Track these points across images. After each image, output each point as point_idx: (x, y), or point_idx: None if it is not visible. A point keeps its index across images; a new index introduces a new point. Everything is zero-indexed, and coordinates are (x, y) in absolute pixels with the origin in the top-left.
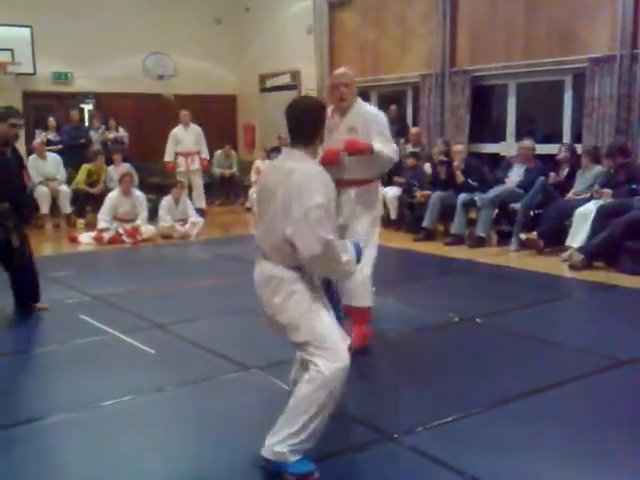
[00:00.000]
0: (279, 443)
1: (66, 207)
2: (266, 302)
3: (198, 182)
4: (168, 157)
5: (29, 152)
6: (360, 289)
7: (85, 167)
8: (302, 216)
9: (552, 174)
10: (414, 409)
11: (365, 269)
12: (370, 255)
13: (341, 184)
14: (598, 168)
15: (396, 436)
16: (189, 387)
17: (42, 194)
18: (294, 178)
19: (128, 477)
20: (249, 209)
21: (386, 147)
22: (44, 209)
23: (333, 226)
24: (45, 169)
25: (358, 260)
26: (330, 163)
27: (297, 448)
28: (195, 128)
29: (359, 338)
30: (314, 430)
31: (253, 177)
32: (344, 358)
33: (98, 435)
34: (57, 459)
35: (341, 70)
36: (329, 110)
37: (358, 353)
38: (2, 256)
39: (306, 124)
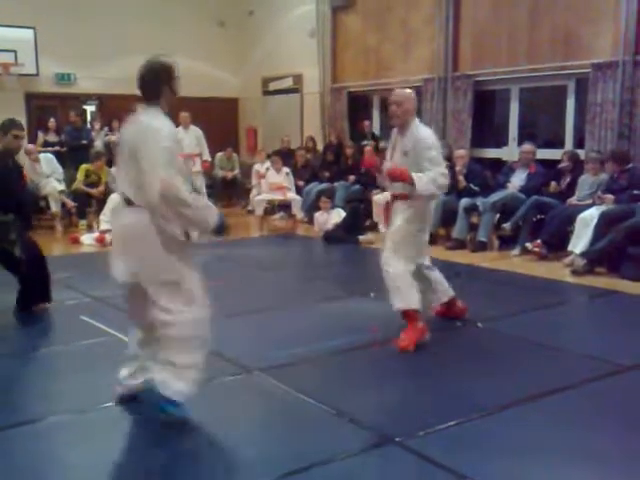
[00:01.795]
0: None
1: (56, 207)
2: (137, 245)
3: (200, 184)
4: None
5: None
6: (393, 291)
7: (83, 167)
8: (149, 159)
9: (553, 183)
10: (416, 413)
11: (391, 270)
12: (397, 264)
13: (393, 198)
14: (603, 176)
15: (398, 440)
16: None
17: (52, 193)
18: (144, 127)
19: (131, 477)
20: (251, 211)
21: (431, 172)
22: (54, 208)
23: (182, 176)
24: (41, 170)
25: (220, 230)
26: (367, 166)
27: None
28: (195, 130)
29: (403, 340)
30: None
31: (254, 180)
32: (202, 304)
33: (100, 436)
34: (59, 460)
35: (396, 90)
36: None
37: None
38: (8, 266)
39: (150, 84)
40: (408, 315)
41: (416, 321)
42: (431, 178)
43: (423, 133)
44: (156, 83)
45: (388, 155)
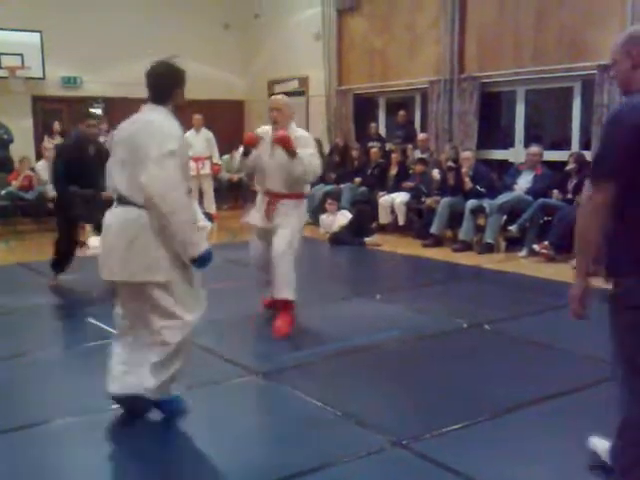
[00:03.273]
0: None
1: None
2: (128, 244)
3: (208, 187)
4: None
5: (38, 156)
6: (281, 281)
7: None
8: (156, 158)
9: (555, 191)
10: (422, 415)
11: (286, 263)
12: (290, 253)
13: (271, 195)
14: None
15: (404, 442)
16: (196, 391)
17: None
18: (151, 126)
19: (135, 478)
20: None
21: (312, 158)
22: None
23: (185, 179)
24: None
25: (203, 261)
26: (249, 143)
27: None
28: (206, 133)
29: (279, 328)
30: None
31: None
32: (198, 309)
33: (105, 438)
34: (63, 462)
35: (276, 97)
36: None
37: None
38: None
39: (163, 85)
40: (289, 305)
41: (292, 312)
42: (308, 156)
43: (302, 132)
44: (169, 84)
45: (266, 155)
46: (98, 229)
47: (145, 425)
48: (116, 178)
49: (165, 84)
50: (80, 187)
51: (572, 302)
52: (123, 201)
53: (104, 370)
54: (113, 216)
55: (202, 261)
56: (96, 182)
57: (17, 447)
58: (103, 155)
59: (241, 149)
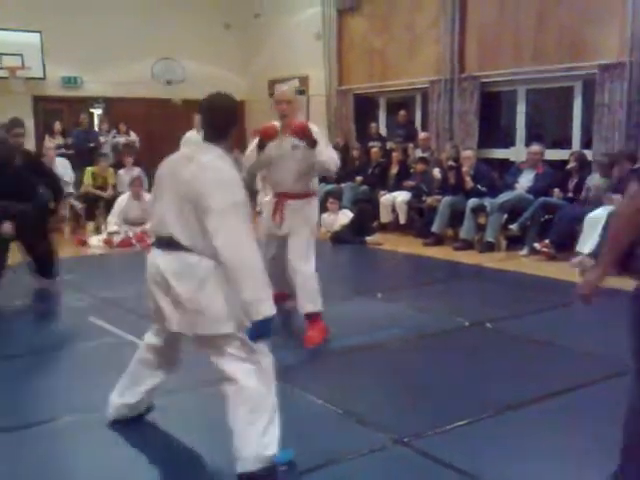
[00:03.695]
0: (265, 448)
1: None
2: (190, 295)
3: None
4: None
5: (39, 156)
6: (303, 296)
7: (89, 170)
8: (224, 209)
9: (556, 190)
10: (424, 413)
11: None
12: (307, 264)
13: (280, 197)
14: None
15: (406, 440)
16: (198, 391)
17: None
18: (213, 173)
19: (139, 477)
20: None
21: (329, 149)
22: (62, 210)
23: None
24: (56, 172)
25: (262, 331)
26: (267, 135)
27: (276, 441)
28: None
29: (311, 338)
30: (277, 420)
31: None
32: (267, 350)
33: (108, 437)
34: (67, 461)
35: (282, 88)
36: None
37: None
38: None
39: (222, 123)
40: (316, 315)
41: (321, 320)
42: (325, 147)
43: (312, 125)
44: (229, 122)
45: (274, 150)
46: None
47: (147, 424)
48: (169, 223)
49: (224, 121)
50: (6, 200)
51: (585, 287)
52: (176, 246)
53: (107, 368)
54: (166, 262)
55: (262, 325)
56: (25, 195)
57: (22, 446)
58: (32, 165)
59: (253, 144)
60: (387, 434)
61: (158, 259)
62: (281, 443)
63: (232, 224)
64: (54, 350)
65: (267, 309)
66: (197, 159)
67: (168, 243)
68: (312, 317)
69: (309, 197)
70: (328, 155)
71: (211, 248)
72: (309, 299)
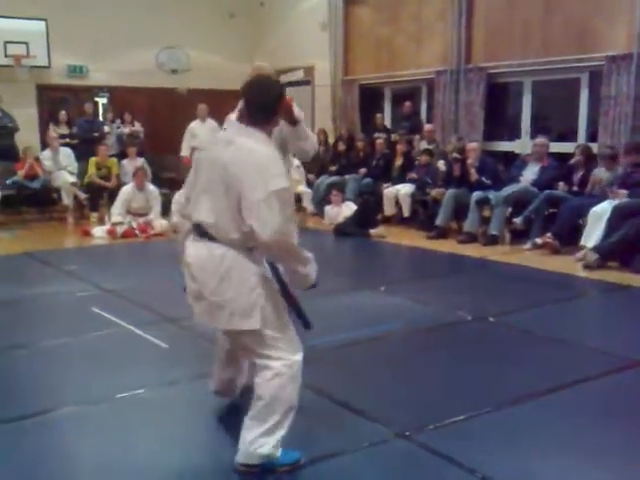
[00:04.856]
0: (261, 446)
1: (68, 199)
2: (212, 287)
3: None
4: (184, 151)
5: (43, 145)
6: None
7: (93, 160)
8: (267, 197)
9: (561, 184)
10: (426, 407)
11: None
12: None
13: None
14: (619, 169)
15: (407, 434)
16: (200, 381)
17: (64, 184)
18: (254, 158)
19: (140, 468)
20: None
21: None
22: (66, 200)
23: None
24: (59, 161)
25: (314, 285)
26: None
27: (279, 443)
28: (211, 123)
29: None
30: (289, 422)
31: None
32: (300, 347)
33: (110, 427)
34: (69, 450)
35: (261, 63)
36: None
37: None
38: None
39: (266, 107)
40: None
41: None
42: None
43: (296, 107)
44: (272, 107)
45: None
46: None
47: (152, 414)
48: (202, 210)
49: (270, 104)
50: None
51: None
52: (205, 235)
53: (109, 359)
54: (194, 251)
55: (314, 285)
56: None
57: (24, 436)
58: None
59: None
60: (388, 427)
61: (189, 247)
62: (286, 439)
63: (272, 212)
64: (57, 340)
65: (313, 276)
66: (237, 143)
67: (199, 231)
68: None
69: None
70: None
71: (245, 237)
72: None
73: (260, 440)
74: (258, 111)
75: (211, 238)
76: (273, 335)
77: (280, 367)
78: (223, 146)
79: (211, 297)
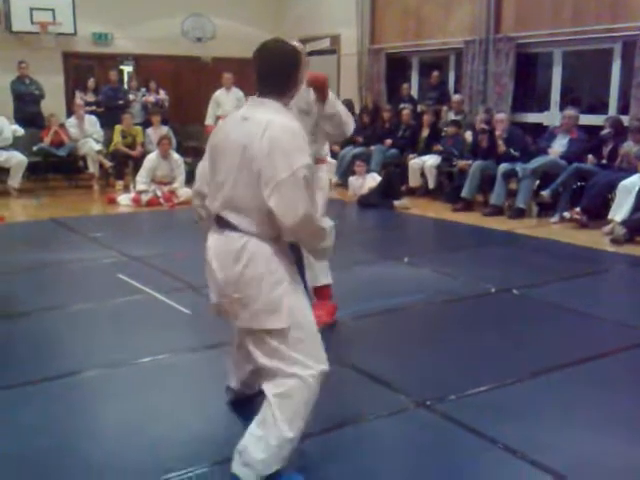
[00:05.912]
0: (263, 461)
1: (94, 167)
2: (233, 281)
3: None
4: (209, 120)
5: (69, 113)
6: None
7: (118, 128)
8: (287, 177)
9: (590, 156)
10: (448, 377)
11: None
12: None
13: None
14: None
15: (429, 403)
16: (220, 349)
17: (90, 152)
18: (270, 132)
19: (162, 427)
20: None
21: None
22: (91, 168)
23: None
24: (84, 129)
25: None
26: (317, 84)
27: (284, 457)
28: (236, 92)
29: (325, 316)
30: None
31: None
32: (325, 356)
33: (132, 390)
34: (92, 411)
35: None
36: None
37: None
38: None
39: (281, 73)
40: (326, 289)
41: (330, 296)
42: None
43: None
44: (289, 73)
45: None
46: None
47: (174, 378)
48: (219, 198)
49: (283, 71)
50: None
51: None
52: (225, 225)
53: (134, 324)
54: (213, 242)
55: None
56: None
57: (49, 396)
58: None
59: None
60: (409, 397)
61: (210, 238)
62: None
63: (295, 194)
64: (83, 304)
65: (332, 244)
66: (251, 118)
67: (218, 221)
68: (322, 292)
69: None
70: (344, 113)
71: (270, 226)
72: (321, 270)
73: (251, 457)
74: (269, 77)
75: (233, 228)
76: (299, 337)
77: (306, 376)
78: (239, 124)
79: (233, 294)
